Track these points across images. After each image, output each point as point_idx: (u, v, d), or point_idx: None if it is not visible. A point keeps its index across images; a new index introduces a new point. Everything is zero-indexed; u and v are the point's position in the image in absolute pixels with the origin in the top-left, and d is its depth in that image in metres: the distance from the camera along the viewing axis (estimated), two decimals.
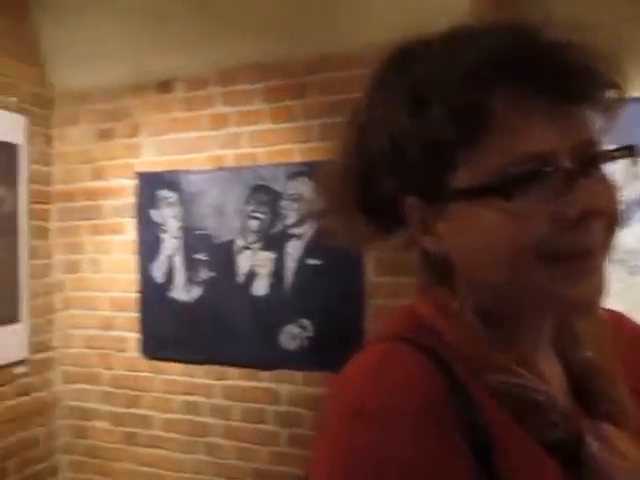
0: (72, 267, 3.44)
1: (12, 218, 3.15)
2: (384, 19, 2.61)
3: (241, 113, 3.05)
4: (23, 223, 3.22)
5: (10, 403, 3.14)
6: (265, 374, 2.99)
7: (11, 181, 3.15)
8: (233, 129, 3.06)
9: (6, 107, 3.11)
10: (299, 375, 2.93)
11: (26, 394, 3.24)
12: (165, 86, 3.20)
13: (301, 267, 2.90)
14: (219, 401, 3.09)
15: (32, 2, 3.21)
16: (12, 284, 3.16)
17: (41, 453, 3.34)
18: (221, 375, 3.08)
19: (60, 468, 3.46)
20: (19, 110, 3.19)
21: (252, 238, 2.99)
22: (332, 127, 2.81)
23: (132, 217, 3.26)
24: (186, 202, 3.13)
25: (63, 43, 3.27)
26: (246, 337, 3.00)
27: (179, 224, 3.14)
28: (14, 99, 3.16)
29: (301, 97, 2.94)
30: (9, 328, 3.13)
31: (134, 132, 3.27)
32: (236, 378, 3.05)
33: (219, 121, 3.09)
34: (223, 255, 3.04)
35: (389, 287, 2.76)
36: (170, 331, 3.16)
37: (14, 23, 3.14)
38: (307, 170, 2.87)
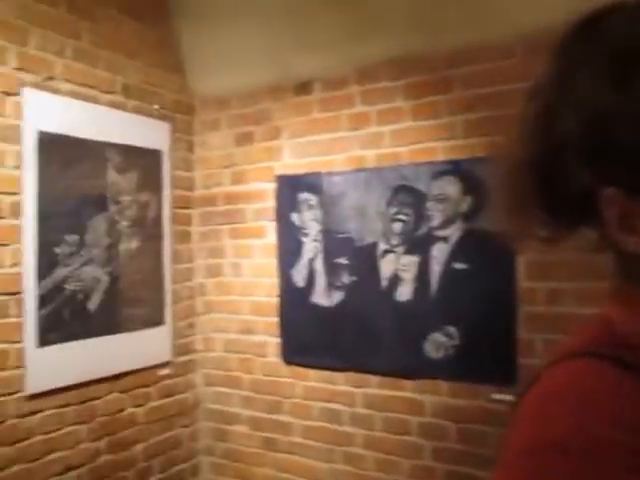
0: (213, 271, 3.49)
1: (157, 223, 3.24)
2: (533, 6, 2.42)
3: (381, 111, 2.94)
4: (167, 228, 3.30)
5: (155, 404, 3.22)
6: (408, 383, 2.86)
7: (156, 187, 3.24)
8: (374, 128, 2.96)
9: (150, 114, 3.20)
10: (444, 385, 2.78)
11: (170, 395, 3.32)
12: (304, 87, 3.16)
13: (447, 271, 2.74)
14: (360, 410, 2.99)
15: (173, 11, 3.28)
16: (157, 288, 3.24)
17: (184, 453, 3.41)
18: (362, 383, 2.98)
19: (201, 469, 3.51)
20: (162, 117, 3.27)
21: (395, 241, 2.86)
22: (478, 122, 2.67)
23: (272, 220, 3.25)
24: (327, 205, 3.06)
25: (203, 49, 3.32)
26: (389, 344, 2.88)
27: (320, 227, 3.08)
28: (157, 106, 3.24)
29: (444, 92, 2.78)
30: (155, 330, 3.21)
31: (274, 135, 3.26)
32: (378, 387, 2.94)
33: (359, 121, 3.00)
34: (365, 259, 2.94)
35: (544, 293, 2.56)
36: (310, 336, 3.10)
37: (156, 33, 3.23)
38: (452, 169, 2.72)
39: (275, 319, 3.23)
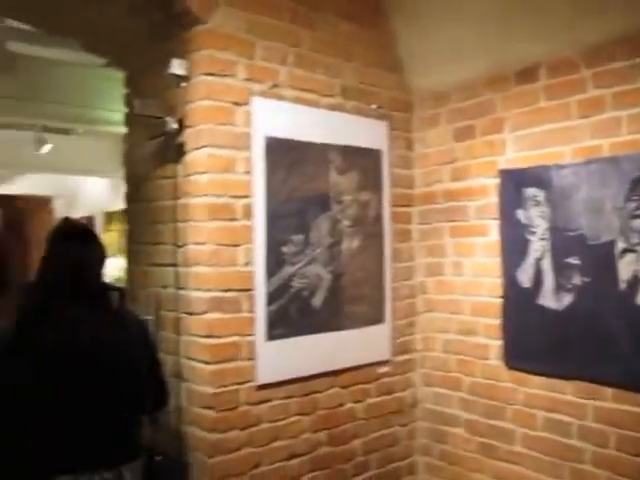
0: (433, 270, 3.43)
1: (377, 222, 3.27)
2: None
3: (618, 95, 2.66)
4: (387, 226, 3.31)
5: (374, 401, 3.25)
6: None
7: (376, 186, 3.26)
8: (608, 114, 2.68)
9: (368, 114, 3.22)
10: None
11: (388, 393, 3.33)
12: (526, 75, 2.97)
13: None
14: (590, 423, 2.75)
15: (388, 10, 3.27)
16: (378, 286, 3.27)
17: (401, 451, 3.41)
18: (593, 394, 2.73)
19: (418, 469, 3.49)
20: (380, 116, 3.28)
21: (636, 239, 2.57)
22: None
23: (495, 218, 3.10)
24: (555, 200, 2.84)
25: (420, 45, 3.27)
26: (627, 354, 2.59)
27: (547, 224, 2.87)
28: (375, 106, 3.25)
29: None
30: (375, 328, 3.25)
31: (496, 128, 3.11)
32: (613, 400, 2.67)
33: (591, 107, 2.74)
34: (600, 259, 2.67)
35: None
36: (536, 341, 2.92)
37: (372, 33, 3.24)
38: None
39: (497, 321, 3.09)
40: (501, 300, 3.08)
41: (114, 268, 6.22)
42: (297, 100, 2.91)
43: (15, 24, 4.02)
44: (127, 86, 3.17)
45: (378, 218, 3.26)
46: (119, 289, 2.30)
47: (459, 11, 3.00)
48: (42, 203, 9.36)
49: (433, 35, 3.17)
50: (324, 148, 2.99)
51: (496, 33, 2.96)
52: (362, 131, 3.18)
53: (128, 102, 3.13)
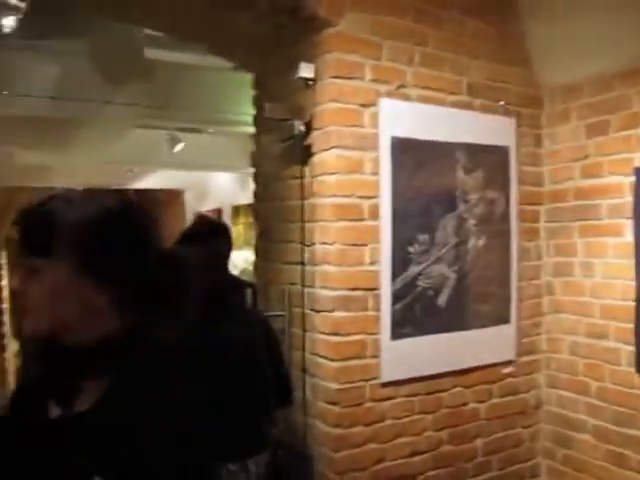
0: (562, 270, 3.32)
1: (504, 220, 3.20)
2: None
3: None
4: (514, 225, 3.24)
5: (497, 401, 3.21)
6: None
7: (503, 184, 3.20)
8: None
9: (495, 111, 3.16)
10: None
11: (512, 394, 3.28)
12: None
13: None
14: None
15: (516, 5, 3.18)
16: (504, 285, 3.22)
17: (523, 454, 3.35)
18: None
19: (540, 472, 3.40)
20: (507, 113, 3.21)
21: None
22: None
23: (630, 217, 2.96)
24: None
25: (551, 40, 3.16)
26: None
27: None
28: (502, 102, 3.18)
29: None
30: (500, 328, 3.20)
31: (632, 123, 2.95)
32: None
33: None
34: None
35: None
36: None
37: (498, 29, 3.16)
38: None
39: (630, 325, 2.95)
40: (634, 304, 2.93)
41: (241, 260, 6.48)
42: (423, 99, 2.90)
43: (149, 31, 4.27)
44: (255, 88, 3.29)
45: (505, 216, 3.20)
46: (251, 285, 2.39)
47: (592, 6, 2.87)
48: (174, 196, 9.83)
49: (563, 28, 3.05)
50: (450, 147, 2.97)
51: (631, 23, 2.81)
52: (489, 128, 3.13)
53: (257, 104, 3.25)
